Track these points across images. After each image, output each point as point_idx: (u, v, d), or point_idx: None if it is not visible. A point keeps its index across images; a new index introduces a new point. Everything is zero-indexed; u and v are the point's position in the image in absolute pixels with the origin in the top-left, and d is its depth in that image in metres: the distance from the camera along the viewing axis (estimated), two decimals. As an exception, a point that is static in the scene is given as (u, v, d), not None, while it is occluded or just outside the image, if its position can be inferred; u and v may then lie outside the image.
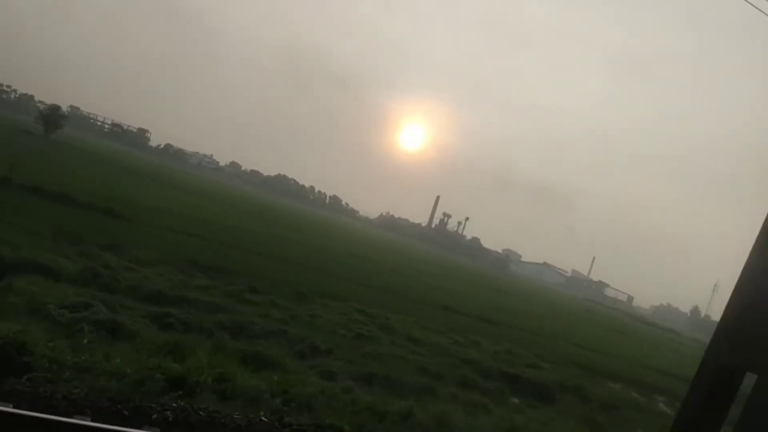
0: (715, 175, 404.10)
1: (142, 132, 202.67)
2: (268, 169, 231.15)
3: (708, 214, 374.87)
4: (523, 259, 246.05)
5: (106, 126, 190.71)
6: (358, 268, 39.69)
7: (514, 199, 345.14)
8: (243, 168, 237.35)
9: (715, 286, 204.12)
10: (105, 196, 29.33)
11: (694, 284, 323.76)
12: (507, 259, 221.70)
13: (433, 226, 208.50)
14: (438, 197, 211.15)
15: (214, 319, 14.22)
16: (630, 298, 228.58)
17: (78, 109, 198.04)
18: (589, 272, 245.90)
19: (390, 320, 22.25)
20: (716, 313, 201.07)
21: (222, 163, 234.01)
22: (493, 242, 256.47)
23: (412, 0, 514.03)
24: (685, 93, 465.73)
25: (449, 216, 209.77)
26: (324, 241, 54.80)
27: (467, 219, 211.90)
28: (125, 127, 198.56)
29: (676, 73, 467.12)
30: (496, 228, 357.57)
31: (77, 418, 6.77)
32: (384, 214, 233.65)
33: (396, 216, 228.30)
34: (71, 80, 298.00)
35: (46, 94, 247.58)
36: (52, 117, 78.68)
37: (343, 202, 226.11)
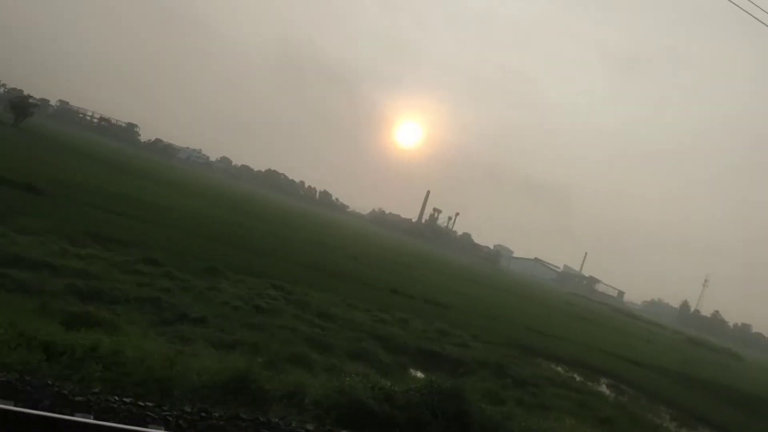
0: (709, 172, 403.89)
1: (132, 127, 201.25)
2: (259, 165, 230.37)
3: (701, 210, 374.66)
4: (515, 255, 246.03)
5: (95, 120, 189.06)
6: (313, 253, 38.70)
7: (508, 196, 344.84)
8: (234, 163, 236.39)
9: (705, 281, 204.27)
10: (33, 174, 28.19)
11: (686, 280, 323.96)
12: (498, 254, 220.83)
13: (423, 221, 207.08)
14: (428, 192, 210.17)
15: (67, 283, 13.16)
16: (621, 294, 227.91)
17: (67, 103, 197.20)
18: (581, 268, 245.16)
19: (309, 297, 21.30)
20: (706, 308, 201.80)
21: (213, 159, 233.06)
22: (486, 238, 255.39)
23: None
24: (680, 89, 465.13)
25: (440, 211, 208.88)
26: (288, 230, 53.78)
27: (457, 214, 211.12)
28: (114, 122, 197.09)
29: (671, 70, 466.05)
30: (489, 224, 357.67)
31: (79, 416, 6.55)
32: (376, 210, 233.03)
33: (387, 212, 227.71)
34: (63, 75, 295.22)
35: (36, 89, 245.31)
36: (22, 105, 77.36)
37: (333, 198, 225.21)
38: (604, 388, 23.55)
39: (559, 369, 23.98)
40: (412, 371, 16.06)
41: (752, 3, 15.38)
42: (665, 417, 22.02)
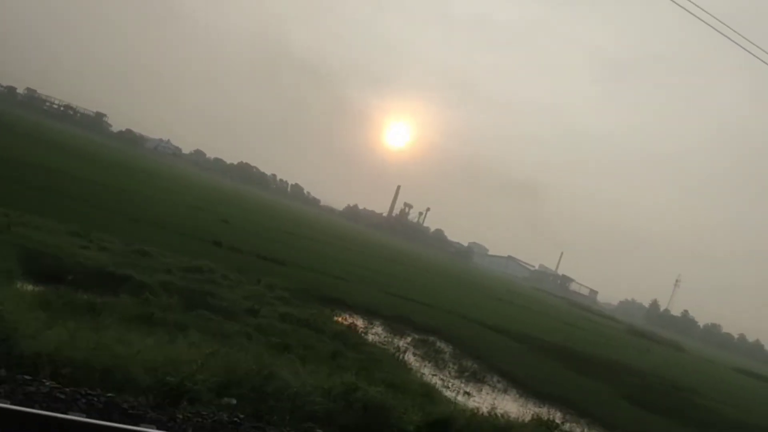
0: (688, 176, 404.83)
1: (100, 116, 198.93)
2: (235, 159, 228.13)
3: (680, 212, 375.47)
4: (489, 252, 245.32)
5: (58, 107, 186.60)
6: (176, 215, 36.87)
7: (487, 196, 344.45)
8: (207, 156, 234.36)
9: (676, 281, 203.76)
10: None
11: (659, 279, 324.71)
12: (470, 251, 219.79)
13: (393, 216, 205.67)
14: (399, 187, 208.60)
15: None
16: (593, 293, 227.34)
17: (35, 91, 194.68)
18: (557, 267, 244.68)
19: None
20: (676, 306, 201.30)
21: (187, 151, 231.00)
22: (462, 236, 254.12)
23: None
24: (666, 95, 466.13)
25: (411, 206, 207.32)
26: (191, 200, 52.35)
27: (428, 209, 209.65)
28: (82, 111, 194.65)
29: (656, 76, 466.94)
30: (467, 223, 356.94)
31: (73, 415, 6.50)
32: (350, 205, 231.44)
33: (361, 207, 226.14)
34: (33, 64, 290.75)
35: (4, 77, 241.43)
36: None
37: (305, 191, 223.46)
38: (399, 341, 22.19)
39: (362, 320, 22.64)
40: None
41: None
42: (449, 365, 20.78)
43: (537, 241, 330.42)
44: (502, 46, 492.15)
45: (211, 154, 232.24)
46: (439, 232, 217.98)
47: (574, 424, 17.90)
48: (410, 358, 19.76)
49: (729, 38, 17.82)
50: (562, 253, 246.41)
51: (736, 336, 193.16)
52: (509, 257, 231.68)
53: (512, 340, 31.61)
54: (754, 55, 17.86)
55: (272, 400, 8.01)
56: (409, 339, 23.21)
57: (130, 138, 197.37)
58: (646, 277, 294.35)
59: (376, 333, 22.33)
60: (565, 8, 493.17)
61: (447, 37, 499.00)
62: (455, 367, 20.72)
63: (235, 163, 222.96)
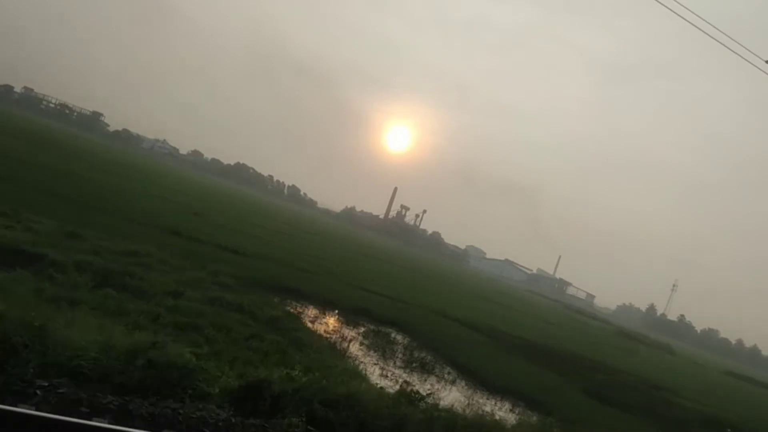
0: (686, 182, 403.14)
1: (96, 115, 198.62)
2: (233, 160, 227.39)
3: (674, 217, 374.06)
4: (487, 256, 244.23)
5: (52, 105, 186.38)
6: (140, 205, 35.92)
7: (486, 201, 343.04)
8: (205, 157, 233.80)
9: (673, 286, 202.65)
10: None
11: (657, 285, 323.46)
12: (466, 254, 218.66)
13: (390, 218, 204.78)
14: (395, 189, 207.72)
15: None
16: (590, 296, 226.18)
17: (32, 90, 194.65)
18: (555, 271, 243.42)
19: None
20: (674, 311, 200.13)
21: (184, 152, 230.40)
22: (460, 239, 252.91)
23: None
24: (661, 101, 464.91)
25: (407, 208, 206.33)
26: (166, 193, 51.59)
27: (425, 212, 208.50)
28: (78, 110, 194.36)
29: (653, 81, 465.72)
30: (464, 225, 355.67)
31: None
32: (348, 207, 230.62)
33: (359, 209, 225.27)
34: (30, 63, 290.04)
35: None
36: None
37: (302, 192, 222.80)
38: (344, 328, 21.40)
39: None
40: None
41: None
42: (399, 356, 20.00)
43: (535, 245, 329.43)
44: (500, 49, 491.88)
45: (208, 156, 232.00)
46: (435, 235, 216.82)
47: (522, 416, 17.10)
48: (355, 347, 18.95)
49: (726, 46, 17.23)
50: (559, 257, 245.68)
51: (733, 341, 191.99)
52: (506, 260, 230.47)
53: (482, 336, 30.80)
54: (752, 64, 17.44)
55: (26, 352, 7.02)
56: (363, 329, 22.41)
57: (126, 138, 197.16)
58: (644, 282, 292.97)
59: (325, 322, 21.56)
60: (563, 13, 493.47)
61: (445, 40, 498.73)
62: (405, 358, 19.91)
63: (232, 164, 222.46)
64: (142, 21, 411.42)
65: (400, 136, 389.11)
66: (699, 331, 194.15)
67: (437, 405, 12.58)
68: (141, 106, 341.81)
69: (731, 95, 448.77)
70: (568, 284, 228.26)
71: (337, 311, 24.13)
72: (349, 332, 20.89)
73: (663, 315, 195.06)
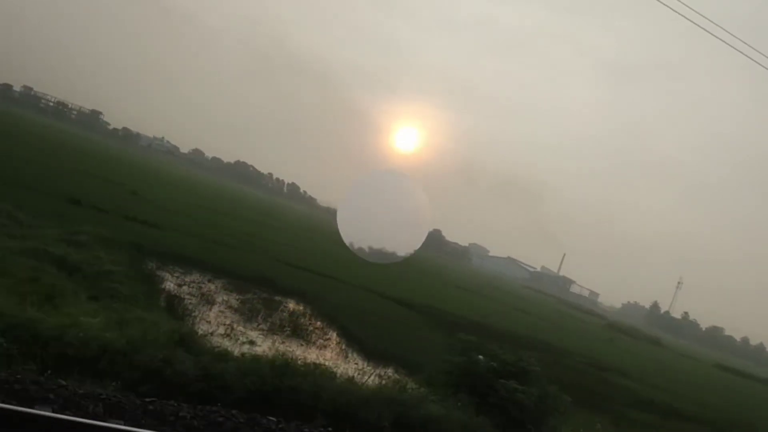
0: (691, 180, 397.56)
1: (96, 114, 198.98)
2: (234, 158, 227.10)
3: (679, 215, 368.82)
4: (490, 254, 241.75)
5: (51, 104, 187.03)
6: (54, 179, 34.18)
7: (489, 196, 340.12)
8: (206, 155, 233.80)
9: (678, 283, 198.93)
10: None
11: (662, 282, 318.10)
12: (467, 251, 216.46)
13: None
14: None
15: None
16: (594, 294, 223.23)
17: (31, 89, 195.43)
18: (559, 269, 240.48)
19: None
20: (677, 309, 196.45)
21: (185, 150, 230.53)
22: (463, 237, 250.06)
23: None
24: (667, 100, 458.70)
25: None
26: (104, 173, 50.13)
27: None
28: (78, 108, 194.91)
29: (660, 81, 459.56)
30: (467, 223, 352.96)
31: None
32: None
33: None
34: (30, 62, 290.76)
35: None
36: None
37: (302, 190, 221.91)
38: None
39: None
40: None
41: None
42: (273, 321, 18.43)
43: (539, 243, 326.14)
44: (506, 50, 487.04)
45: (209, 154, 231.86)
46: (436, 232, 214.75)
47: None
48: (215, 310, 17.38)
49: (731, 46, 16.98)
50: (564, 255, 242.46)
51: (738, 339, 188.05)
52: (509, 258, 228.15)
53: (413, 313, 29.13)
54: (757, 63, 16.97)
55: None
56: (249, 296, 20.84)
57: (125, 136, 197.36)
58: (650, 280, 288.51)
59: (189, 283, 19.86)
60: (569, 14, 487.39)
61: (451, 40, 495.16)
62: (278, 323, 18.31)
63: (233, 162, 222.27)
64: (143, 20, 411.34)
65: (404, 135, 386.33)
66: (704, 329, 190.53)
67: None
68: (142, 105, 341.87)
69: (735, 95, 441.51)
70: (572, 282, 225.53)
71: (229, 279, 22.57)
72: (222, 297, 19.33)
73: (667, 312, 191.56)
